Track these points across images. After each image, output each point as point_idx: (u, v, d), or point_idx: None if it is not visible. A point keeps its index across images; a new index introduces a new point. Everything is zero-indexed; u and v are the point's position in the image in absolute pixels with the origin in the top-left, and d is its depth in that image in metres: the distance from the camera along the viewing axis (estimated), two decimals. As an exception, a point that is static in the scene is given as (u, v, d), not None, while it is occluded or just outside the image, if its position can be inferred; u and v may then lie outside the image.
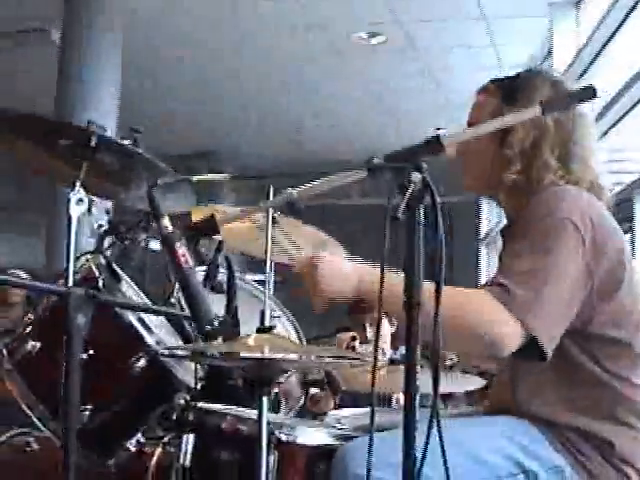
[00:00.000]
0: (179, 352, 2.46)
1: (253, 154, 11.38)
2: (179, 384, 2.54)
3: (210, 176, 1.98)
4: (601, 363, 2.27)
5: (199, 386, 2.63)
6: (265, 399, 2.15)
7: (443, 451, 1.73)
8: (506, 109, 2.34)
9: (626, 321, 2.29)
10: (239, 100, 9.85)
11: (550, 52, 8.02)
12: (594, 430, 2.25)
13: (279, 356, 2.14)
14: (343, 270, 2.19)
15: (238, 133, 10.94)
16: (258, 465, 2.14)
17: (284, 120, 10.41)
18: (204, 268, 3.09)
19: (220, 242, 3.11)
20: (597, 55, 6.97)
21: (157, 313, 2.43)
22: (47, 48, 7.56)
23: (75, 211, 2.31)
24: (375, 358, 1.86)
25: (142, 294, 2.75)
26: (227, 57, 8.75)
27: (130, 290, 2.67)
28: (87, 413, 2.45)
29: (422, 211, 1.80)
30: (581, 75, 6.99)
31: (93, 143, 2.37)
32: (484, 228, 12.49)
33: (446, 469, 1.73)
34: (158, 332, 2.53)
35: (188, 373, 2.57)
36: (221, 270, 3.11)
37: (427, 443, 1.69)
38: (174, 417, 2.54)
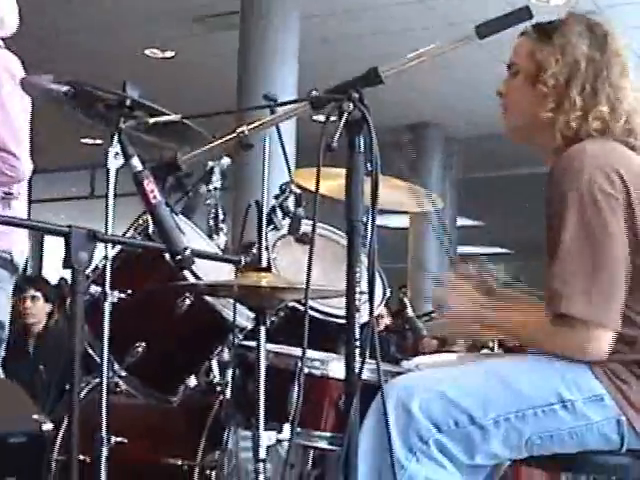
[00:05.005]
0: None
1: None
2: (231, 325, 2.66)
3: (164, 118, 2.10)
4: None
5: (250, 326, 2.78)
6: (263, 328, 2.28)
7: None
8: (539, 47, 2.37)
9: None
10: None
11: None
12: (634, 359, 2.25)
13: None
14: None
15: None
16: (257, 392, 2.27)
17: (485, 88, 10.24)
18: (288, 221, 3.24)
19: (299, 195, 3.25)
20: None
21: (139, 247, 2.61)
22: (234, 31, 7.90)
23: (113, 164, 2.49)
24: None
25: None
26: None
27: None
28: (140, 350, 2.66)
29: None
30: None
31: (128, 103, 2.53)
32: None
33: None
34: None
35: (243, 316, 2.72)
36: (304, 222, 3.24)
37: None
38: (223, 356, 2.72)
